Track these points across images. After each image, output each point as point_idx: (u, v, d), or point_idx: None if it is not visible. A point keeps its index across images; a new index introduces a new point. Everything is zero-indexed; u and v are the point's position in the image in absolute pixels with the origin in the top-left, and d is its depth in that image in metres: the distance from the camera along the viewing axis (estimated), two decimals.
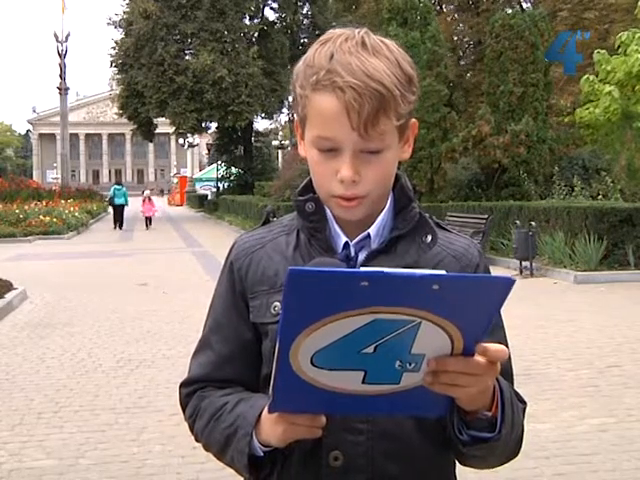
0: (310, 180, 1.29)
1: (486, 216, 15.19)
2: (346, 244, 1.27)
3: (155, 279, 13.40)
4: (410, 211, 1.29)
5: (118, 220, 30.61)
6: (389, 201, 1.30)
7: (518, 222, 14.15)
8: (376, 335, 0.98)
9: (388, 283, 0.94)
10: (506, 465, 1.32)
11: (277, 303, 1.27)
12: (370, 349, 0.99)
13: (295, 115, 1.29)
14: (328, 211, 1.28)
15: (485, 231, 14.77)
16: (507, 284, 0.98)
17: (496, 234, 15.42)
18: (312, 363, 1.01)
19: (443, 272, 0.97)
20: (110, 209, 35.95)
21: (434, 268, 1.27)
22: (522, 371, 6.02)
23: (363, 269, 0.98)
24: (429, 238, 1.28)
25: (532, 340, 7.54)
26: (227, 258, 1.38)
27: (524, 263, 13.21)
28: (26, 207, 28.65)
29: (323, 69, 1.18)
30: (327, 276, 0.94)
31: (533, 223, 13.69)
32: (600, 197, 16.47)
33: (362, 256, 1.27)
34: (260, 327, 1.30)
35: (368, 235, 1.27)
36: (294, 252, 1.30)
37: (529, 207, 15.36)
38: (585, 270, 12.44)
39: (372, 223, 1.27)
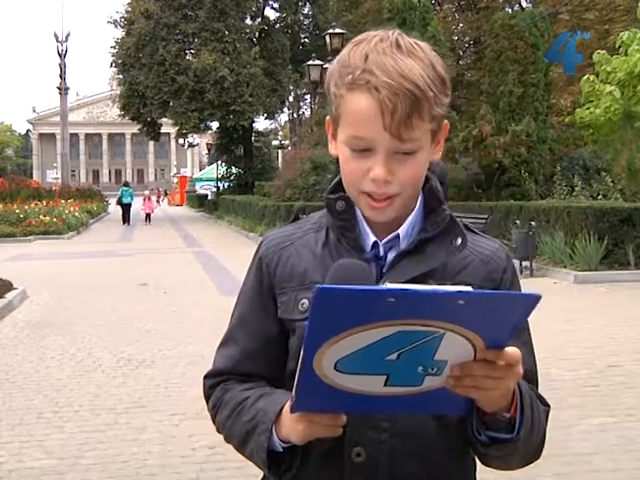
0: (340, 179, 1.29)
1: (486, 216, 15.20)
2: (375, 244, 1.28)
3: (155, 279, 13.39)
4: (441, 213, 1.28)
5: (126, 217, 33.90)
6: (419, 202, 1.29)
7: (518, 222, 14.16)
8: (400, 344, 1.00)
9: (414, 299, 0.95)
10: None
11: (305, 300, 1.27)
12: (394, 356, 1.01)
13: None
14: (358, 210, 1.28)
15: (485, 231, 14.74)
16: (533, 300, 0.98)
17: (496, 234, 15.41)
18: (335, 368, 1.03)
19: (469, 288, 0.97)
20: (110, 209, 41.38)
21: (462, 271, 1.29)
22: None
23: (389, 286, 0.99)
24: (459, 241, 1.27)
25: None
26: (256, 254, 1.38)
27: (524, 263, 13.22)
28: (26, 207, 28.63)
29: (358, 69, 1.18)
30: (354, 294, 0.95)
31: (533, 223, 13.69)
32: (600, 197, 16.47)
33: (391, 256, 1.27)
34: (287, 323, 1.31)
35: (397, 235, 1.27)
36: (323, 250, 1.30)
37: (529, 207, 15.36)
38: (585, 270, 12.44)
39: (402, 223, 1.27)
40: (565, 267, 12.86)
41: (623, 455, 4.59)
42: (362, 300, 0.95)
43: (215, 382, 1.36)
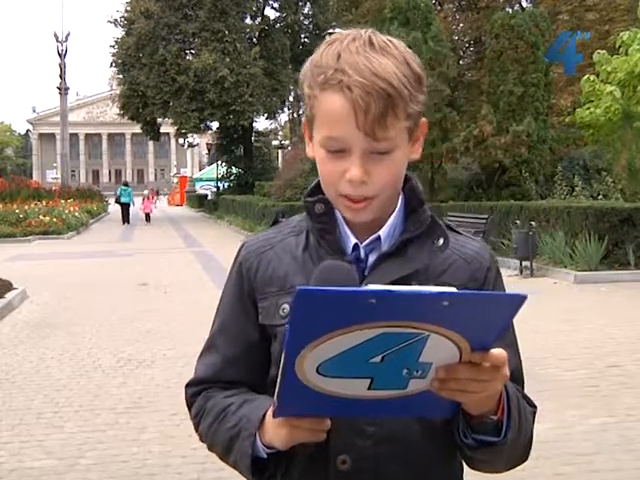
0: (319, 181, 1.27)
1: (486, 216, 15.20)
2: (356, 246, 1.26)
3: (155, 279, 13.40)
4: (422, 214, 1.27)
5: (125, 216, 34.13)
6: (400, 202, 1.28)
7: (518, 222, 14.15)
8: (384, 347, 0.98)
9: (397, 300, 0.93)
10: None
11: (286, 305, 1.26)
12: (377, 359, 0.99)
13: (302, 115, 1.28)
14: (338, 212, 1.26)
15: (485, 231, 14.78)
16: (518, 300, 0.97)
17: (496, 234, 15.42)
18: (318, 372, 1.01)
19: (453, 289, 0.96)
20: (110, 209, 42.07)
21: (445, 272, 1.27)
22: None
23: (371, 287, 0.97)
24: (441, 242, 1.26)
25: (532, 340, 7.53)
26: (236, 259, 1.36)
27: (524, 263, 13.22)
28: (26, 207, 28.62)
29: (331, 69, 1.17)
30: (335, 295, 0.94)
31: (533, 223, 13.69)
32: (601, 197, 16.47)
33: (372, 258, 1.25)
34: (269, 329, 1.29)
35: (378, 237, 1.26)
36: (303, 253, 1.29)
37: (529, 207, 15.36)
38: (585, 270, 12.44)
39: (383, 225, 1.26)
40: (565, 267, 12.86)
41: (624, 455, 4.59)
42: (343, 302, 0.93)
43: (197, 390, 1.35)
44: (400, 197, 1.28)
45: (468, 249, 1.31)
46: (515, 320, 1.06)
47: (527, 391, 1.31)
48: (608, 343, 7.62)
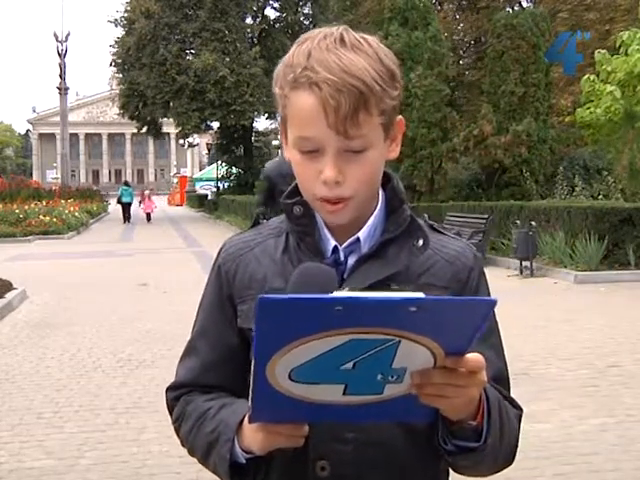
0: (297, 183, 1.25)
1: (486, 216, 15.19)
2: (335, 248, 1.24)
3: (155, 279, 13.39)
4: (401, 214, 1.25)
5: (126, 215, 35.08)
6: (380, 202, 1.26)
7: (518, 222, 14.15)
8: (354, 353, 0.96)
9: (363, 307, 0.92)
10: None
11: None
12: (349, 365, 0.98)
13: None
14: (317, 214, 1.24)
15: (485, 231, 14.78)
16: (487, 306, 0.96)
17: (496, 234, 15.42)
18: (290, 378, 0.99)
19: (421, 294, 0.95)
20: (110, 209, 43.41)
21: (425, 272, 1.25)
22: (522, 371, 6.00)
23: (337, 294, 0.96)
24: (420, 242, 1.24)
25: (532, 340, 7.54)
26: (215, 261, 1.35)
27: (524, 263, 13.21)
28: (26, 207, 28.62)
29: (300, 67, 1.15)
30: (299, 303, 0.92)
31: (533, 223, 13.69)
32: (601, 197, 16.47)
33: (352, 260, 1.23)
34: (247, 332, 1.26)
35: (358, 239, 1.24)
36: (282, 255, 1.27)
37: (529, 207, 15.36)
38: (585, 270, 12.44)
39: (363, 226, 1.24)
40: (565, 267, 12.86)
41: (623, 455, 4.59)
42: (308, 309, 0.91)
43: (177, 395, 1.34)
44: (381, 197, 1.26)
45: (450, 249, 1.29)
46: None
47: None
48: (608, 343, 7.62)
